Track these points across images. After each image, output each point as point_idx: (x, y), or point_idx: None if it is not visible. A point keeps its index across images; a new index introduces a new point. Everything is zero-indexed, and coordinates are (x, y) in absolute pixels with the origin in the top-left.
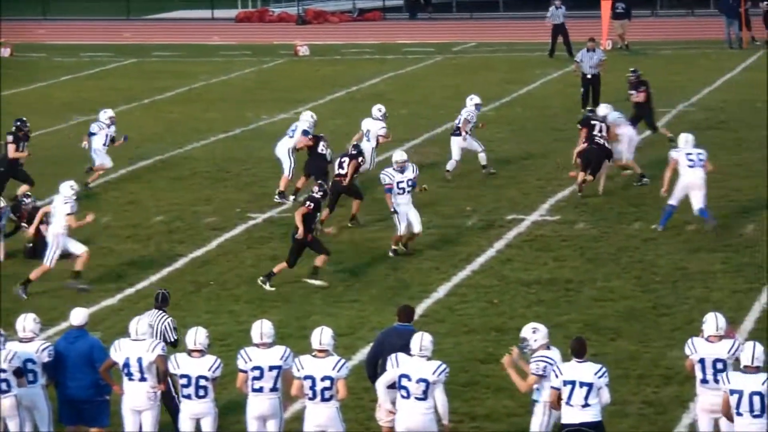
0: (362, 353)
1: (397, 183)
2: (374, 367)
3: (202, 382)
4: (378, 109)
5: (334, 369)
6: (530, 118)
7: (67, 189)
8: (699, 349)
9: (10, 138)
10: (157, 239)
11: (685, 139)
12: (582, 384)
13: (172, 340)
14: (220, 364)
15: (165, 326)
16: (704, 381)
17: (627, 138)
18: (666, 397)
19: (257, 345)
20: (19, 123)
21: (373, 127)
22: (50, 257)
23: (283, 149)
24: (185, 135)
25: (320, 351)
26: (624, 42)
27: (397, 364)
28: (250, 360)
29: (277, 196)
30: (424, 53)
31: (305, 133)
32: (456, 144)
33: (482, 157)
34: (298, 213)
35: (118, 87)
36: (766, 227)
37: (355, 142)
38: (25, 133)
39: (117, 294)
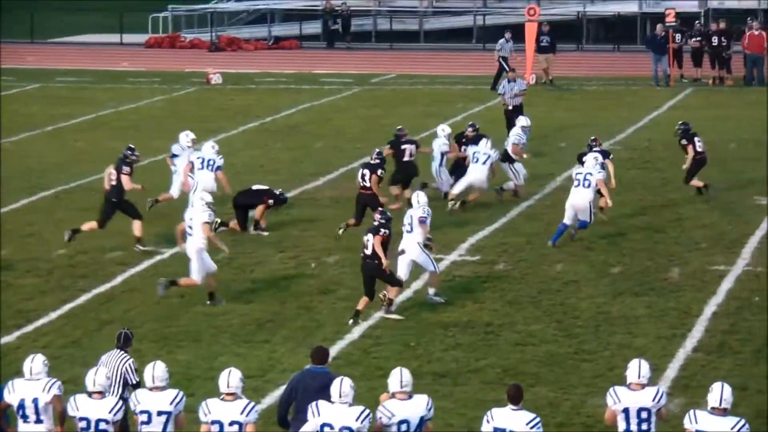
0: (273, 396)
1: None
2: (286, 411)
3: (103, 426)
4: (442, 129)
5: (242, 413)
6: None
7: (198, 200)
8: (622, 398)
9: (126, 169)
10: (58, 274)
11: (594, 158)
12: None
13: (134, 382)
14: (122, 407)
15: (126, 367)
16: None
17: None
18: None
19: (149, 388)
20: (128, 151)
21: (435, 144)
22: (198, 273)
23: (211, 182)
24: (90, 165)
25: (228, 394)
26: (548, 77)
27: (318, 413)
28: (139, 403)
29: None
30: (342, 84)
31: (219, 168)
32: (506, 168)
33: (509, 185)
34: (377, 243)
35: (20, 113)
36: (691, 271)
37: (378, 149)
38: (135, 161)
39: (15, 331)
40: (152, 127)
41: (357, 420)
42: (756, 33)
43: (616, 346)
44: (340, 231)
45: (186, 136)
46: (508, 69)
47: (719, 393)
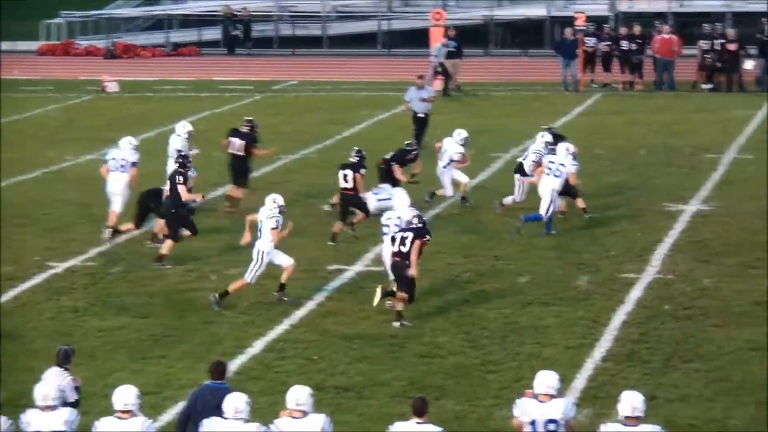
0: (170, 413)
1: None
2: (185, 428)
3: None
4: (458, 134)
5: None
6: None
7: (270, 203)
8: (530, 409)
9: (180, 179)
10: None
11: (565, 148)
12: None
13: (73, 400)
14: (9, 428)
15: (64, 385)
16: None
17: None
18: None
19: (41, 408)
20: (182, 160)
21: (450, 148)
22: (252, 273)
23: (121, 184)
24: None
25: (123, 411)
26: (455, 82)
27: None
28: (30, 424)
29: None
30: (243, 91)
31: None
32: (518, 181)
33: (508, 200)
34: (417, 248)
35: None
36: (600, 279)
37: (357, 148)
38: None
39: None
40: (45, 137)
41: None
42: (666, 37)
43: (524, 356)
44: (332, 243)
45: (183, 127)
46: (445, 73)
47: (629, 401)
